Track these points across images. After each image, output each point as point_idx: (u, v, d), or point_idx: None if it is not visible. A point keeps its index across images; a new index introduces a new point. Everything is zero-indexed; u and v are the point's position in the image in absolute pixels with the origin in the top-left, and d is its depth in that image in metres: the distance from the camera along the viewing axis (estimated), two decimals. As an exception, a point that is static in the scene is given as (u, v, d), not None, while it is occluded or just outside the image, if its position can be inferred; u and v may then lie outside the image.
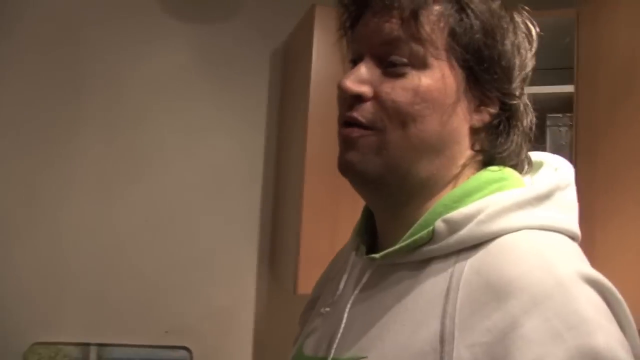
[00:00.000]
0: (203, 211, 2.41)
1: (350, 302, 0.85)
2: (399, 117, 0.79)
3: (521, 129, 0.85)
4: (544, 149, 1.92)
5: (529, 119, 0.86)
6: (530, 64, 0.85)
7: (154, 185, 2.37)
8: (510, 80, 0.83)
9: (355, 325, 0.83)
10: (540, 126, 2.03)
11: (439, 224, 0.78)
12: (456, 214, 0.78)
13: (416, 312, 0.77)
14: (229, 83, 2.44)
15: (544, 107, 2.01)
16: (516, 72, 0.83)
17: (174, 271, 2.36)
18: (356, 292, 0.86)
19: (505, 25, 0.83)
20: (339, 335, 0.84)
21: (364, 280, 0.85)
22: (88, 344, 2.24)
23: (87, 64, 2.33)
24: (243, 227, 2.46)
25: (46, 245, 2.27)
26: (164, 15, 2.40)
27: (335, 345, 0.84)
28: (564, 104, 1.97)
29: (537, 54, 2.00)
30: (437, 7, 0.80)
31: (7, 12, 2.27)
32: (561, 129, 2.01)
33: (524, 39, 0.84)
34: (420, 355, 0.73)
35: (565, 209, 0.82)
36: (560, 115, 2.01)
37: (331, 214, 2.06)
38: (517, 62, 0.83)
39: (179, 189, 2.39)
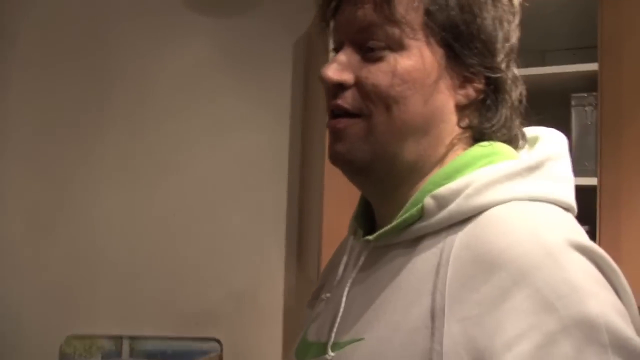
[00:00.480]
0: (231, 203, 2.43)
1: (348, 285, 0.85)
2: (381, 100, 0.79)
3: (510, 102, 0.83)
4: (569, 129, 1.91)
5: (518, 92, 0.85)
6: (514, 35, 0.84)
7: (181, 178, 2.40)
8: (493, 53, 0.81)
9: (353, 308, 0.83)
10: (565, 106, 1.98)
11: (428, 200, 0.78)
12: (444, 189, 0.77)
13: (409, 290, 0.77)
14: (252, 76, 2.45)
15: (569, 87, 1.97)
16: (499, 45, 0.82)
17: (202, 264, 2.39)
18: (353, 275, 0.86)
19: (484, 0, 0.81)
20: (338, 319, 0.84)
21: (360, 262, 0.85)
22: (121, 337, 2.29)
23: (112, 62, 2.38)
24: (270, 218, 2.47)
25: (78, 241, 2.33)
26: (186, 11, 2.43)
27: (335, 330, 0.84)
28: (589, 83, 1.92)
29: (560, 33, 1.92)
30: None
31: (34, 14, 2.33)
32: (586, 108, 1.95)
33: (506, 12, 0.83)
34: (412, 333, 0.73)
35: (558, 180, 0.80)
36: (585, 94, 1.95)
37: (353, 205, 2.05)
38: (499, 34, 0.81)
39: (206, 182, 2.42)
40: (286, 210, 2.48)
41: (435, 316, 0.71)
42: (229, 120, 2.45)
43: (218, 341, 2.32)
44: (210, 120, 2.44)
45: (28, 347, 2.26)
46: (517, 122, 0.85)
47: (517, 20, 0.84)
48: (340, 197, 2.12)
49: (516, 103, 0.84)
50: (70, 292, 2.30)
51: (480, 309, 0.68)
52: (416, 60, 0.79)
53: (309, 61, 2.48)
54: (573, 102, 1.97)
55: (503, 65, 0.82)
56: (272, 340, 2.42)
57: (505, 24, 0.82)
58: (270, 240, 2.46)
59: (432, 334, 0.71)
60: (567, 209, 0.79)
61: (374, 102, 0.79)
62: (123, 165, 2.38)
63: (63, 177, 2.35)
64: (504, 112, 0.83)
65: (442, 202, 0.77)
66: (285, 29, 2.48)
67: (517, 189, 0.76)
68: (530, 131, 0.89)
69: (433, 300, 0.72)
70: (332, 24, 0.88)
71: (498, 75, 0.82)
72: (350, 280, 0.85)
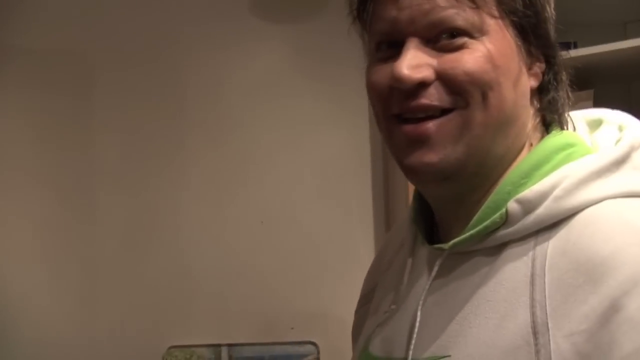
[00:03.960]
0: (316, 205, 2.44)
1: (423, 296, 0.79)
2: (477, 88, 0.72)
3: (565, 82, 0.80)
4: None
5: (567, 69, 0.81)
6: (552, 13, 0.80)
7: (265, 185, 2.43)
8: (549, 33, 0.78)
9: (430, 322, 0.78)
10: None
11: (513, 206, 0.72)
12: (529, 192, 0.72)
13: (499, 303, 0.71)
14: (325, 76, 2.45)
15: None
16: (550, 25, 0.78)
17: (293, 268, 2.41)
18: (427, 285, 0.80)
19: None
20: (415, 333, 0.78)
21: (434, 272, 0.79)
22: (219, 345, 2.33)
23: (185, 76, 2.43)
24: (357, 217, 2.46)
25: (170, 255, 2.40)
26: (253, 19, 2.45)
27: (412, 345, 0.78)
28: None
29: (637, 4, 1.85)
30: None
31: (107, 32, 2.41)
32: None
33: None
34: (512, 351, 0.68)
35: None
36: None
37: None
38: (548, 14, 0.78)
39: (290, 186, 2.44)
40: (372, 208, 2.47)
41: (537, 332, 0.67)
42: (307, 123, 2.46)
43: (314, 344, 2.34)
44: (288, 124, 2.46)
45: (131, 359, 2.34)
46: (569, 100, 0.81)
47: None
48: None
49: (567, 81, 0.81)
50: (167, 305, 2.37)
51: (589, 323, 0.63)
52: (500, 43, 0.74)
53: (381, 57, 2.46)
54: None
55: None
56: (367, 339, 2.41)
57: (550, 3, 0.79)
58: (358, 239, 2.46)
59: (537, 351, 0.66)
60: None
61: (469, 91, 0.72)
62: (206, 177, 2.43)
63: (148, 194, 2.41)
64: (563, 93, 0.80)
65: (529, 207, 0.72)
66: (354, 27, 2.46)
67: (609, 187, 0.71)
68: (591, 113, 0.85)
69: (532, 314, 0.68)
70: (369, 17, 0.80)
71: (557, 54, 0.79)
72: (424, 292, 0.79)
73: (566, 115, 0.81)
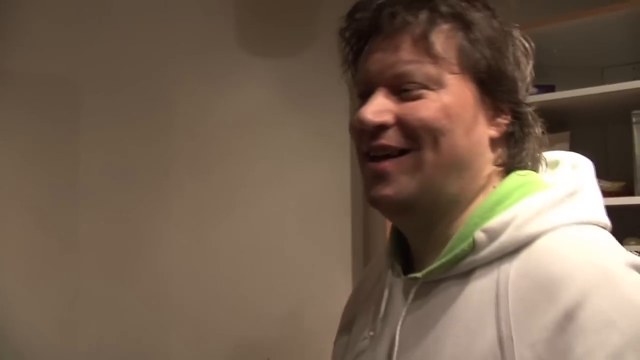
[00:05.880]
0: (297, 238, 2.47)
1: (400, 322, 0.86)
2: (429, 133, 0.81)
3: (534, 135, 0.88)
4: (631, 147, 1.87)
5: (538, 125, 0.89)
6: (529, 76, 0.88)
7: (247, 217, 2.45)
8: (516, 90, 0.86)
9: (408, 344, 0.85)
10: (626, 124, 1.95)
11: (479, 235, 0.81)
12: (493, 222, 0.80)
13: (469, 322, 0.79)
14: (311, 111, 2.50)
15: (629, 104, 1.93)
16: (519, 84, 0.86)
17: (271, 299, 2.42)
18: (403, 312, 0.87)
19: (506, 41, 0.85)
20: (394, 355, 0.85)
21: (410, 299, 0.86)
22: (196, 375, 2.33)
23: (172, 108, 2.46)
24: (336, 250, 2.49)
25: (151, 281, 2.39)
26: (241, 53, 2.50)
27: None
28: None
29: (618, 49, 1.89)
30: (444, 26, 0.83)
31: (96, 65, 2.42)
32: (648, 125, 1.91)
33: (522, 54, 0.87)
34: None
35: (593, 202, 0.85)
36: (645, 110, 1.91)
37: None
38: (517, 74, 0.86)
39: (271, 219, 2.46)
40: (351, 241, 2.50)
41: (503, 345, 0.74)
42: (290, 157, 2.50)
43: (290, 375, 2.34)
44: (272, 157, 2.49)
45: (107, 387, 2.32)
46: (541, 152, 0.90)
47: (531, 64, 0.88)
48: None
49: (539, 135, 0.89)
50: (145, 332, 2.36)
51: (548, 333, 0.71)
52: (455, 96, 0.82)
53: (365, 94, 2.51)
54: (634, 120, 1.93)
55: (525, 101, 0.87)
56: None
57: (522, 66, 0.87)
58: (336, 271, 2.48)
59: None
60: (604, 227, 0.83)
61: (422, 136, 0.81)
62: (189, 206, 2.45)
63: (132, 221, 2.41)
64: (530, 145, 0.88)
65: (493, 235, 0.80)
66: (341, 64, 2.50)
67: (563, 215, 0.80)
68: (550, 155, 0.93)
69: (498, 330, 0.75)
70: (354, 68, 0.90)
71: (524, 110, 0.86)
72: (401, 318, 0.87)
73: (539, 161, 0.90)
